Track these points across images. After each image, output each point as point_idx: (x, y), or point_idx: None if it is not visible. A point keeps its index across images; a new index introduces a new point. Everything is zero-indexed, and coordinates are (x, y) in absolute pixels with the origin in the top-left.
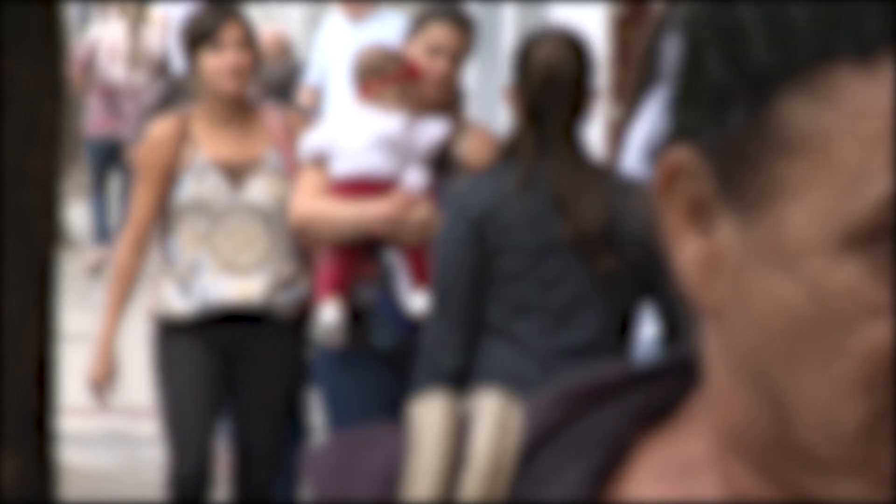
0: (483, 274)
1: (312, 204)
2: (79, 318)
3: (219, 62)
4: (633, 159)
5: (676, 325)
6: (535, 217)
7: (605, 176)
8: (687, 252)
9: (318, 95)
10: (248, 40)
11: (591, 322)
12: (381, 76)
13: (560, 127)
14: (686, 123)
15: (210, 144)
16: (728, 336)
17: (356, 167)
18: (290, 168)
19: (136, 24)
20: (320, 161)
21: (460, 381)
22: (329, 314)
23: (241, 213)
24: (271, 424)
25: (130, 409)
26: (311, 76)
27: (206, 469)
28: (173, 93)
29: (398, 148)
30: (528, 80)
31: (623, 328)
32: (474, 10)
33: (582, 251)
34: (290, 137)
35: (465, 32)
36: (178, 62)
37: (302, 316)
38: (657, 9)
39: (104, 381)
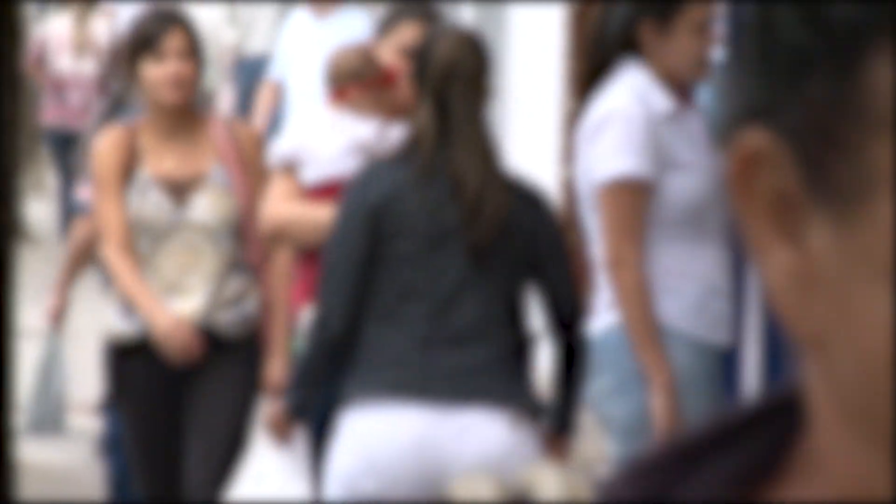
0: (373, 257)
1: (288, 208)
2: (38, 314)
3: (160, 72)
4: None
5: (562, 315)
6: (433, 205)
7: (502, 169)
8: (775, 266)
9: (280, 91)
10: (193, 49)
11: (474, 310)
12: (360, 82)
13: (465, 118)
14: (758, 99)
15: (154, 160)
16: (833, 372)
17: (331, 172)
18: (236, 182)
19: (83, 13)
20: (290, 167)
21: (343, 351)
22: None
23: (185, 231)
24: (218, 444)
25: (86, 406)
26: (274, 71)
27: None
28: (117, 106)
29: (371, 153)
30: (431, 73)
31: (510, 316)
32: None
33: (473, 238)
34: (236, 151)
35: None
36: None
37: (255, 335)
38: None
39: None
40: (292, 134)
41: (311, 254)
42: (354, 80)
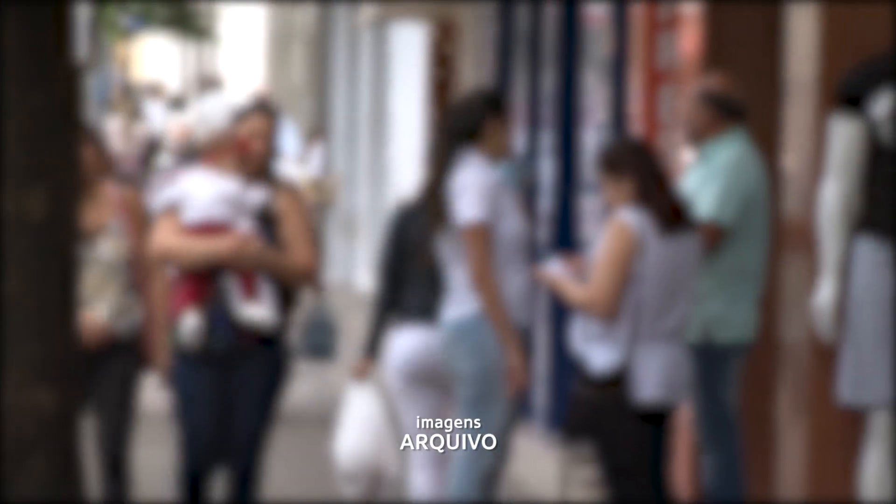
0: (401, 253)
1: (172, 240)
2: None
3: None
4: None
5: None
6: (420, 223)
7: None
8: None
9: None
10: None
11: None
12: (222, 147)
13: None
14: None
15: None
16: None
17: (204, 214)
18: (127, 230)
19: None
20: (173, 210)
21: (388, 306)
22: (191, 320)
23: (94, 265)
24: (118, 418)
25: None
26: None
27: None
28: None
29: (233, 203)
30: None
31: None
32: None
33: (421, 247)
34: (126, 207)
35: (274, 119)
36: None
37: (139, 336)
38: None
39: None
40: (176, 186)
41: (188, 273)
42: (218, 146)
